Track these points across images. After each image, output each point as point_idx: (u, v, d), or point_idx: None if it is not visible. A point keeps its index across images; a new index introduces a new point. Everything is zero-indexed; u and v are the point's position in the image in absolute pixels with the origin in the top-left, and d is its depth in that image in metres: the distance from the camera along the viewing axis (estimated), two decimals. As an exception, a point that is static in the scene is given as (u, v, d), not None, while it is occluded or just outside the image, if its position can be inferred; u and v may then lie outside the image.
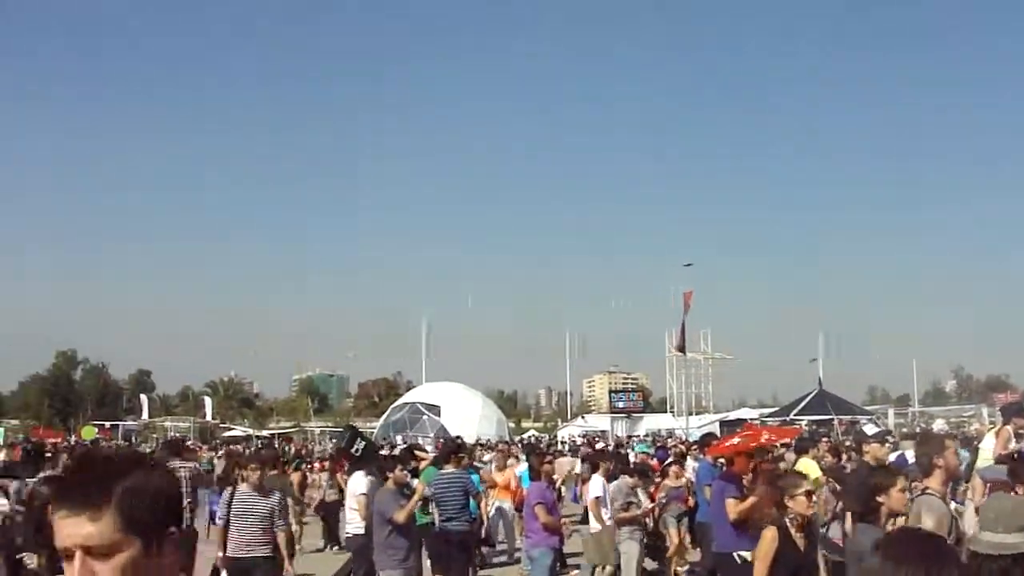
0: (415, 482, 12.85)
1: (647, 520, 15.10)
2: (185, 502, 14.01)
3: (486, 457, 23.95)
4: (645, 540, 14.74)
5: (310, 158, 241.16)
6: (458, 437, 34.58)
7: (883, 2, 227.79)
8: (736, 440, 13.09)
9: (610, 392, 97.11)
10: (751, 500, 10.30)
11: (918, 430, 39.55)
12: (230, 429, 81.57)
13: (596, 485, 14.10)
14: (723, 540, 10.74)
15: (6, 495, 10.99)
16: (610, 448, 31.20)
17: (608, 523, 13.67)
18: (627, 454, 25.44)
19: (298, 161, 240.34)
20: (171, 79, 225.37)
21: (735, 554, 10.31)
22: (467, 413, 67.16)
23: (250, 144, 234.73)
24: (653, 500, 15.67)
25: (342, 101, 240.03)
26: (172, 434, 68.13)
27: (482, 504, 16.61)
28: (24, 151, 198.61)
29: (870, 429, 25.94)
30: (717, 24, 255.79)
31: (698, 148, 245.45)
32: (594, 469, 14.74)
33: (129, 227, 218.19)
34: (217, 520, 11.13)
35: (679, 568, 15.94)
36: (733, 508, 10.45)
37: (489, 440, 49.45)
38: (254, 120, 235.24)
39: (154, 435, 72.68)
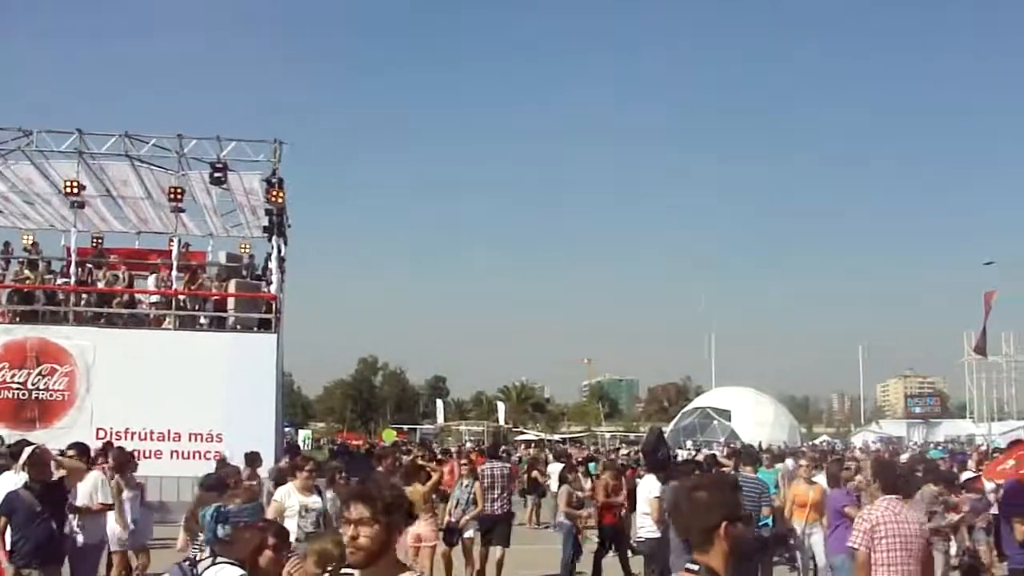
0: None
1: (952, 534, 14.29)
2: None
3: (779, 465, 22.99)
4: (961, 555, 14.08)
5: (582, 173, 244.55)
6: (749, 445, 33.87)
7: None
8: (1011, 463, 12.32)
9: (905, 397, 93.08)
10: None
11: None
12: (522, 433, 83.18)
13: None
14: (1015, 557, 10.53)
15: (320, 493, 11.52)
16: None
17: None
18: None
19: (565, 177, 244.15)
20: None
21: None
22: (758, 418, 65.88)
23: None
24: (957, 511, 14.77)
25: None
26: (466, 438, 70.17)
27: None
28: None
29: None
30: None
31: (993, 140, 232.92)
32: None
33: (424, 239, 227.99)
34: None
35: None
36: (1021, 531, 10.11)
37: (784, 445, 48.22)
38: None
39: (449, 438, 75.06)
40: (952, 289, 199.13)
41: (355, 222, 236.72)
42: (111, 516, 13.07)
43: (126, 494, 13.71)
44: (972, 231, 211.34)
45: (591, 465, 29.02)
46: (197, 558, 5.56)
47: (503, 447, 50.53)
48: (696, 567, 3.53)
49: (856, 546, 7.85)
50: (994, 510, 14.95)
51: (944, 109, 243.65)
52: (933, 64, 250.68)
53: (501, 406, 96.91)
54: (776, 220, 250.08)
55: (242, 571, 4.98)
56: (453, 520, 15.61)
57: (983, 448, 40.15)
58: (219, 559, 5.11)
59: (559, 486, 21.65)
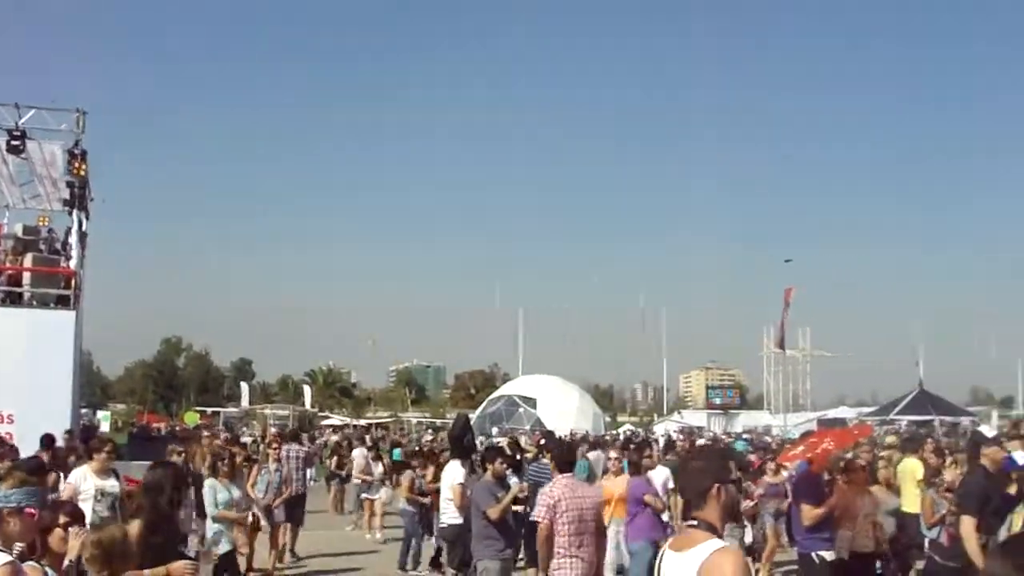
0: (514, 480, 12.74)
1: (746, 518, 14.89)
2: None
3: (591, 455, 22.97)
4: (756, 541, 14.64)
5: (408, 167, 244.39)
6: (550, 432, 34.41)
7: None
8: (801, 448, 13.05)
9: (707, 388, 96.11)
10: (827, 504, 10.84)
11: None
12: (328, 417, 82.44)
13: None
14: (802, 542, 11.17)
15: (118, 477, 11.18)
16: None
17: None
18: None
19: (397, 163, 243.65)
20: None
21: (813, 554, 10.80)
22: (564, 406, 66.55)
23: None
24: (752, 498, 15.41)
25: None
26: (271, 422, 69.08)
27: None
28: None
29: (986, 431, 25.52)
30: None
31: (803, 140, 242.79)
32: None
33: (232, 220, 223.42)
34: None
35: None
36: (808, 514, 10.82)
37: (588, 433, 48.97)
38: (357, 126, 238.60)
39: (254, 422, 73.79)
40: (753, 284, 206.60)
41: (161, 198, 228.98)
42: None
43: None
44: (774, 228, 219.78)
45: (395, 452, 29.06)
46: None
47: (308, 432, 50.14)
48: (695, 522, 4.15)
49: (540, 519, 8.62)
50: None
51: (752, 99, 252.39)
52: (753, 58, 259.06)
53: (307, 390, 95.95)
54: (583, 210, 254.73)
55: (8, 557, 4.75)
56: (264, 504, 15.60)
57: (778, 438, 41.91)
58: None
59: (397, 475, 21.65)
